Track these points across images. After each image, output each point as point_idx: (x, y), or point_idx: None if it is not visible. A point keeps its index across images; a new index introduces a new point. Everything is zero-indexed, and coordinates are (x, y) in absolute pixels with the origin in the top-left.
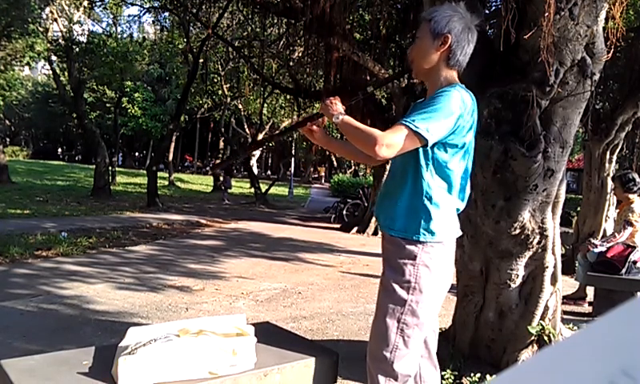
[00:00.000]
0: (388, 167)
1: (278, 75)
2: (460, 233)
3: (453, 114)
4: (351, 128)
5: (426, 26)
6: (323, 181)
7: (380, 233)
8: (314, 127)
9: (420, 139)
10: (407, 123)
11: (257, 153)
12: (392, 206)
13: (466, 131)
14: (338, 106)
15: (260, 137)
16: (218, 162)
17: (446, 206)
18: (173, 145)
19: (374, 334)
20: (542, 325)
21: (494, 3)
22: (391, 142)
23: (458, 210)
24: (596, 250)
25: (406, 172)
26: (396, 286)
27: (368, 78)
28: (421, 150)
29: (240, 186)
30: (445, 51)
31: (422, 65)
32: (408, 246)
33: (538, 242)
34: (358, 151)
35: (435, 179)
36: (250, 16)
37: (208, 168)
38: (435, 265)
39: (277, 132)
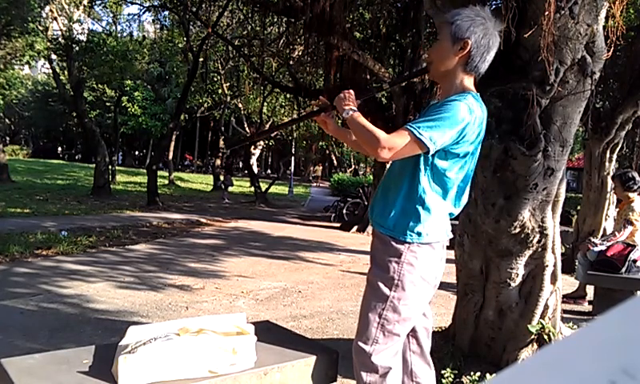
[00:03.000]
0: (387, 166)
1: (278, 74)
2: (450, 236)
3: (458, 125)
4: (358, 125)
5: (447, 29)
6: (319, 180)
7: None
8: (328, 119)
9: (422, 146)
10: (412, 129)
11: (257, 151)
12: (385, 204)
13: (471, 142)
14: (351, 100)
15: None
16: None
17: (437, 210)
18: (173, 144)
19: (358, 328)
20: (541, 323)
21: (494, 2)
22: (393, 146)
23: (451, 214)
24: (596, 249)
25: (404, 174)
26: (380, 283)
27: (368, 76)
28: (421, 154)
29: (240, 185)
30: (464, 56)
31: (439, 67)
32: (395, 245)
33: (538, 241)
34: None
35: (431, 185)
36: (249, 15)
37: (225, 150)
38: (420, 265)
39: (290, 120)
